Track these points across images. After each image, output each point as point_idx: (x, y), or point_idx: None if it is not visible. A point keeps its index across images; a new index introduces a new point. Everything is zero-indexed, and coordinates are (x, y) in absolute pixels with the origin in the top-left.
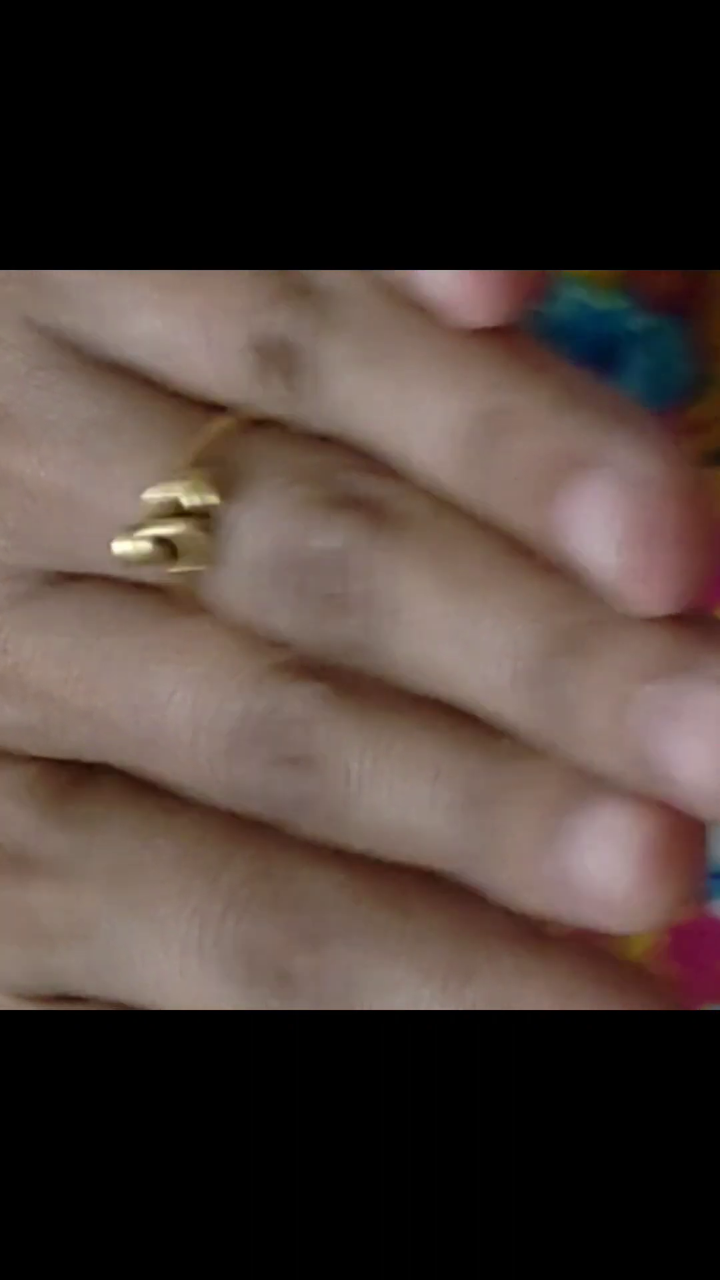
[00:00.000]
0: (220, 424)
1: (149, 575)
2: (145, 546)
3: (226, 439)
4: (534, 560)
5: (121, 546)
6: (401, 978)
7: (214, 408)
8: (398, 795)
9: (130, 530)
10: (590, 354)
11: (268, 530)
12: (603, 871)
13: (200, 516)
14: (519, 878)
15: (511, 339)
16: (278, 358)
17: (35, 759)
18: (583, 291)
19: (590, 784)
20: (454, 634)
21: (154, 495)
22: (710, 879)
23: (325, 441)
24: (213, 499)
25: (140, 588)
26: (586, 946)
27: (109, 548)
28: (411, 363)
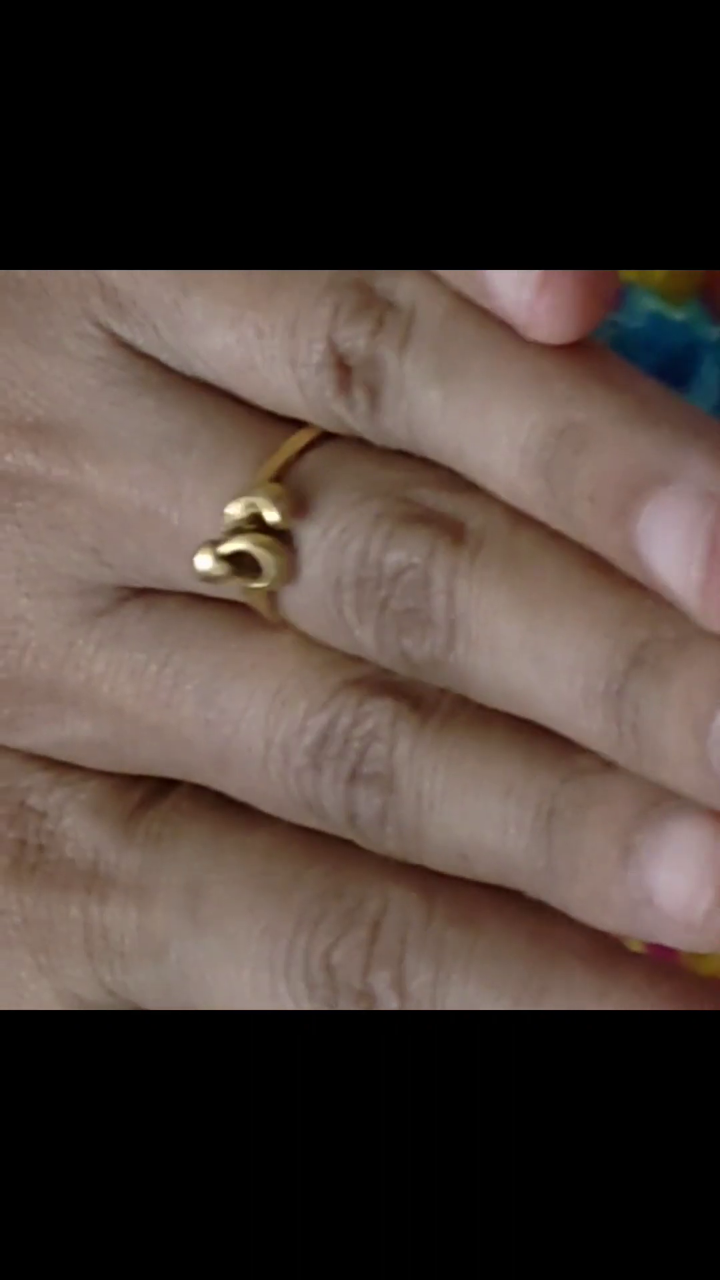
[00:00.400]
0: (298, 439)
1: (227, 591)
2: (225, 562)
3: (303, 454)
4: (610, 576)
5: (203, 562)
6: (475, 995)
7: (287, 421)
8: (471, 812)
9: (211, 545)
10: (664, 364)
11: (344, 546)
12: (681, 889)
13: (278, 532)
14: (594, 895)
15: (587, 352)
16: (358, 373)
17: (108, 775)
18: (656, 302)
19: (667, 800)
20: (528, 650)
21: (234, 511)
22: None
23: (400, 456)
24: (290, 514)
25: (214, 603)
26: (662, 962)
27: (183, 563)
28: (488, 378)
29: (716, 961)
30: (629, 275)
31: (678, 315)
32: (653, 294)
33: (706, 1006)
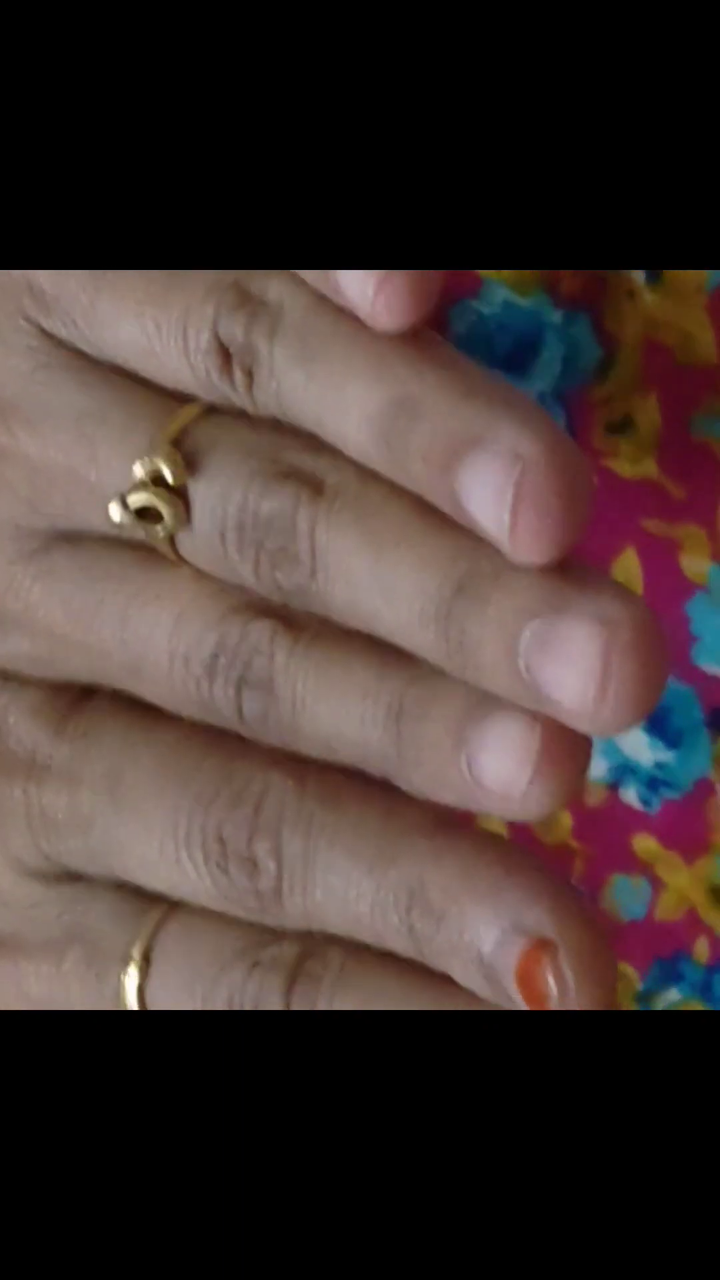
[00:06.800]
0: (189, 411)
1: (136, 535)
2: (133, 512)
3: (194, 423)
4: (440, 520)
5: (115, 512)
6: (337, 860)
7: (183, 397)
8: (335, 710)
9: (121, 498)
10: (516, 342)
11: (227, 497)
12: (500, 770)
13: (175, 487)
14: (433, 776)
15: (420, 340)
16: (237, 358)
17: (43, 683)
18: (509, 291)
19: (490, 701)
20: (375, 580)
21: (139, 470)
22: (620, 771)
23: (273, 424)
24: (184, 473)
25: (126, 545)
26: (486, 832)
27: (100, 512)
28: (341, 361)
29: (557, 832)
30: (487, 271)
31: (526, 303)
32: (505, 285)
33: (521, 867)
